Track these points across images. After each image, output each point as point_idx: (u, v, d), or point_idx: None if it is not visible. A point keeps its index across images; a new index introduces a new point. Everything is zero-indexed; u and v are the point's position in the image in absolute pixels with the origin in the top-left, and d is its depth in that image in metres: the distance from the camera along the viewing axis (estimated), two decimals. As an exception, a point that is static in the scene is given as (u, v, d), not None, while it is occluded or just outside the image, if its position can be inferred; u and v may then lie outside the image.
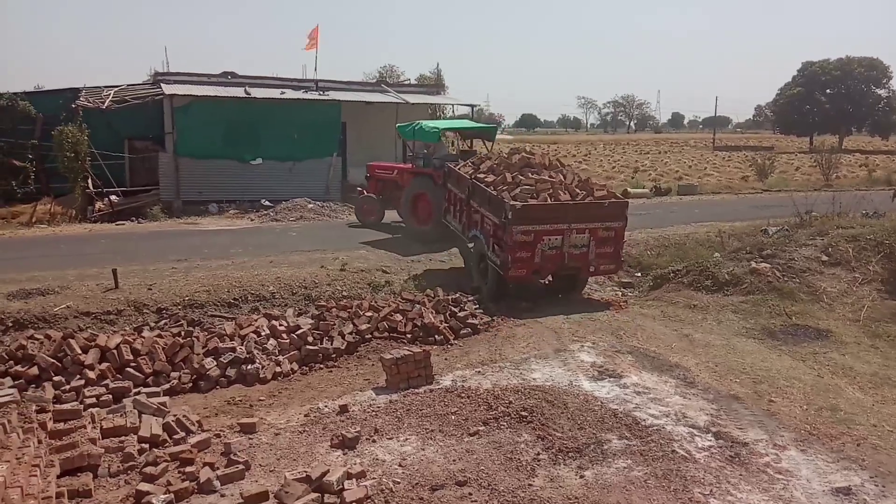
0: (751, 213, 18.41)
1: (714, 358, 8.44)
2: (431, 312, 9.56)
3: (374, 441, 6.12)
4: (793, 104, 73.98)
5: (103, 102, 20.71)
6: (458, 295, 10.28)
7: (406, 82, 39.89)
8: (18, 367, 7.34)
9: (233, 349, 8.10)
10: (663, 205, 22.07)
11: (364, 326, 9.02)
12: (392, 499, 5.13)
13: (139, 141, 21.41)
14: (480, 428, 6.30)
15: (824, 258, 11.94)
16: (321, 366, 8.39)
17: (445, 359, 8.44)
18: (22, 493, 4.50)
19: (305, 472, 5.29)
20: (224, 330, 8.58)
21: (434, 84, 36.04)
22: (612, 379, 7.57)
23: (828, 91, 73.29)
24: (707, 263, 12.15)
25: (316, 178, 21.50)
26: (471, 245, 11.80)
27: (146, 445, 5.89)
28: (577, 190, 10.86)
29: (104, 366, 7.49)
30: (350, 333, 8.90)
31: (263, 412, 6.95)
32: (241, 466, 5.51)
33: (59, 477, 5.24)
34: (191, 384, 7.70)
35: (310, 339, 8.67)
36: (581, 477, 5.47)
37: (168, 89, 20.91)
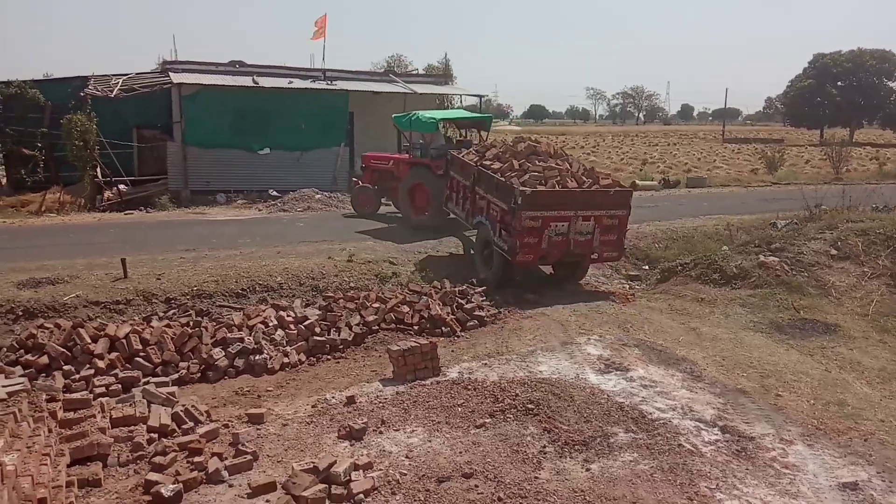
0: (760, 206, 18.34)
1: (721, 352, 8.42)
2: (438, 304, 9.57)
3: (380, 432, 6.15)
4: (803, 96, 73.51)
5: (112, 91, 20.72)
6: (465, 287, 10.29)
7: (414, 72, 39.81)
8: (29, 356, 7.40)
9: (241, 339, 8.13)
10: (672, 197, 22.00)
11: (371, 318, 9.04)
12: (399, 490, 5.16)
13: (147, 129, 21.45)
14: (487, 420, 6.32)
15: (833, 252, 11.88)
16: (328, 357, 8.42)
17: (452, 351, 8.45)
18: (33, 481, 4.54)
19: (313, 462, 5.32)
20: (232, 320, 8.61)
21: (442, 74, 35.90)
22: (618, 372, 7.57)
23: (839, 83, 72.75)
24: (715, 257, 12.11)
25: (323, 169, 21.53)
26: (474, 231, 11.91)
27: (155, 435, 5.93)
28: (584, 178, 10.98)
29: (113, 355, 7.54)
30: (357, 325, 8.92)
31: (271, 403, 6.99)
32: (249, 457, 5.55)
33: (69, 466, 5.29)
34: (199, 374, 7.74)
35: (317, 329, 8.69)
36: (587, 470, 5.49)
37: (176, 78, 20.91)
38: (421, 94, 24.77)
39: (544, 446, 5.84)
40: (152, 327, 8.16)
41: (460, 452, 5.73)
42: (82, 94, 19.98)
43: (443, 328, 9.15)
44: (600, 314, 9.85)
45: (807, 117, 75.74)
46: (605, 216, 10.61)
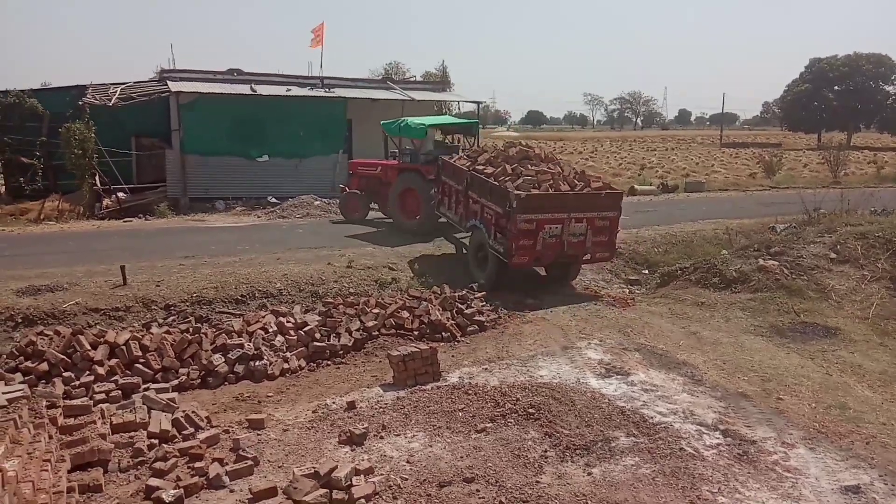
0: (758, 210, 18.34)
1: (722, 356, 8.42)
2: (438, 309, 9.56)
3: (381, 437, 6.14)
4: (800, 101, 73.72)
5: (110, 100, 20.76)
6: (465, 292, 10.29)
7: (412, 79, 39.86)
8: (29, 363, 7.36)
9: (241, 346, 8.11)
10: (670, 202, 22.03)
11: (371, 323, 9.03)
12: (400, 495, 5.15)
13: (146, 138, 21.50)
14: (488, 425, 6.31)
15: (833, 256, 11.89)
16: (328, 362, 8.40)
17: (452, 356, 8.44)
18: (34, 487, 4.53)
19: (314, 467, 5.30)
20: (232, 326, 8.59)
21: (440, 81, 36.01)
22: (619, 376, 7.57)
23: (836, 88, 73.00)
24: (715, 261, 12.13)
25: (322, 175, 21.55)
26: (465, 234, 12.21)
27: (156, 441, 5.90)
28: (576, 181, 11.23)
29: (113, 362, 7.51)
30: (357, 330, 8.90)
31: (272, 408, 6.97)
32: (249, 462, 5.54)
33: (69, 472, 5.27)
34: (199, 380, 7.70)
35: (317, 335, 8.67)
36: (589, 474, 5.48)
37: (174, 86, 20.96)
38: (419, 100, 24.82)
39: (545, 451, 5.83)
40: (152, 334, 8.14)
41: (461, 457, 5.72)
42: (80, 102, 20.02)
43: (443, 333, 9.14)
44: (600, 319, 9.85)
45: (804, 121, 75.94)
46: (597, 218, 10.85)
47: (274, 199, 20.27)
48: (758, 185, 28.56)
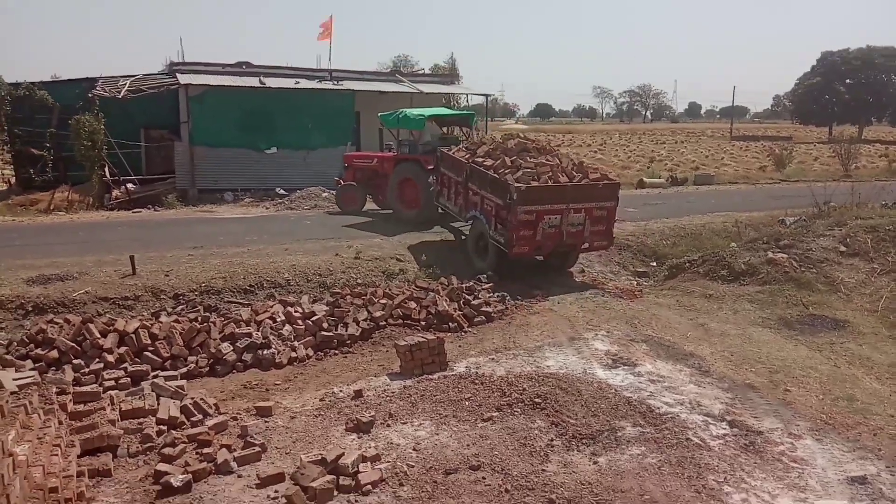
0: (768, 203, 18.24)
1: (729, 347, 8.40)
2: (445, 300, 9.58)
3: (388, 425, 6.17)
4: (812, 94, 73.15)
5: (119, 92, 20.86)
6: (472, 283, 10.31)
7: (420, 72, 39.83)
8: (39, 351, 7.44)
9: (249, 334, 8.16)
10: (679, 195, 21.92)
11: (378, 313, 9.05)
12: (406, 481, 5.17)
13: (155, 130, 21.58)
14: (494, 414, 6.33)
15: (842, 249, 11.83)
16: (336, 351, 8.43)
17: (459, 346, 8.46)
18: (44, 471, 4.59)
19: (321, 454, 5.34)
20: (240, 316, 8.63)
21: (448, 74, 35.90)
22: (626, 367, 7.57)
23: (847, 81, 72.30)
24: (723, 253, 12.10)
25: (330, 167, 21.54)
26: (464, 224, 12.57)
27: (164, 427, 5.97)
28: (574, 173, 11.39)
29: (123, 350, 7.57)
30: (364, 320, 8.93)
31: (279, 396, 7.01)
32: (257, 448, 5.58)
33: (79, 457, 5.33)
34: (208, 368, 7.76)
35: (325, 325, 8.71)
36: (595, 463, 5.49)
37: (183, 79, 21.02)
38: (427, 93, 24.79)
39: (552, 439, 5.84)
40: (161, 322, 8.20)
41: (468, 445, 5.74)
42: (90, 94, 20.12)
43: (450, 324, 9.16)
44: (608, 310, 9.84)
45: (815, 115, 75.38)
46: (595, 208, 11.06)
47: (282, 191, 20.32)
48: (768, 178, 28.39)
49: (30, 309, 8.60)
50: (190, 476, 5.07)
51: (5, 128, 21.39)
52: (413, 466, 5.38)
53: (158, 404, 6.29)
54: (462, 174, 12.03)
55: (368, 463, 5.31)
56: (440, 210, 13.79)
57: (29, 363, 7.25)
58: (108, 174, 19.73)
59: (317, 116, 21.73)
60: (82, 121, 19.06)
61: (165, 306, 9.08)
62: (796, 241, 12.18)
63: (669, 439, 5.87)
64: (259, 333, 8.25)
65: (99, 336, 7.61)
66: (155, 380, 6.85)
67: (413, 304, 9.37)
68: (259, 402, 6.64)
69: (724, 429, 6.13)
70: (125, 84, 21.63)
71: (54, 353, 7.38)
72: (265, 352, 8.00)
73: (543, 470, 5.35)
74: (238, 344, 8.04)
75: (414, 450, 5.68)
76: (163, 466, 5.21)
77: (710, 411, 6.47)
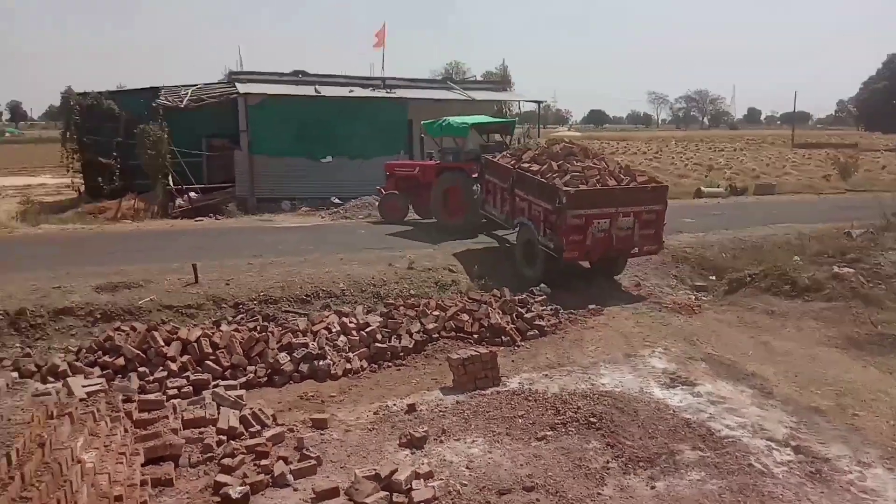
0: (833, 214, 17.54)
1: (794, 368, 8.12)
2: (498, 313, 9.54)
3: (441, 441, 6.17)
4: (878, 99, 70.46)
5: (181, 101, 21.53)
6: (525, 295, 10.25)
7: (472, 79, 39.84)
8: (106, 358, 7.72)
9: (305, 345, 8.29)
10: (739, 205, 21.32)
11: (431, 325, 9.08)
12: (459, 501, 5.17)
13: (216, 139, 22.21)
14: (548, 433, 6.26)
15: (914, 263, 11.29)
16: (389, 364, 8.49)
17: (512, 360, 8.42)
18: (109, 479, 4.74)
19: (374, 469, 5.38)
20: (297, 326, 8.79)
21: (500, 80, 35.82)
22: (685, 387, 7.39)
23: (918, 85, 69.35)
24: (786, 267, 11.69)
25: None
26: (509, 231, 12.74)
27: (224, 437, 6.10)
28: (622, 176, 11.45)
29: (185, 358, 7.80)
30: (418, 332, 8.97)
31: (334, 408, 7.10)
32: (313, 461, 5.66)
33: (143, 465, 5.49)
34: (266, 378, 7.92)
35: (379, 336, 8.78)
36: (652, 488, 5.37)
37: (242, 88, 21.55)
38: (479, 100, 24.78)
39: (607, 461, 5.74)
40: (221, 331, 8.40)
41: (521, 465, 5.69)
42: (154, 104, 20.83)
43: (502, 337, 9.12)
44: (665, 326, 9.64)
45: (882, 121, 72.48)
46: (644, 211, 11.05)
47: (337, 200, 20.60)
48: (832, 187, 27.33)
49: (98, 316, 8.94)
50: (248, 488, 5.18)
51: (74, 137, 22.35)
52: (466, 485, 5.37)
53: (219, 414, 6.43)
54: (508, 180, 12.09)
55: (421, 480, 5.32)
56: (483, 219, 13.90)
57: (97, 370, 7.53)
58: (171, 183, 20.39)
59: (371, 125, 21.96)
60: (147, 130, 19.76)
61: (226, 315, 9.32)
62: (864, 255, 11.70)
63: (731, 464, 5.70)
64: (315, 344, 8.37)
65: (163, 344, 7.86)
66: (216, 389, 7.02)
67: (466, 317, 9.37)
68: (315, 414, 6.74)
69: (789, 455, 5.92)
70: (187, 94, 22.31)
71: (121, 361, 7.65)
72: (321, 362, 8.11)
73: (599, 493, 5.27)
74: (295, 354, 8.18)
75: (467, 468, 5.67)
76: (222, 477, 5.33)
77: (774, 436, 6.26)
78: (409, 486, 5.18)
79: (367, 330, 8.84)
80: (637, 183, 11.29)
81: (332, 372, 8.07)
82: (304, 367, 8.08)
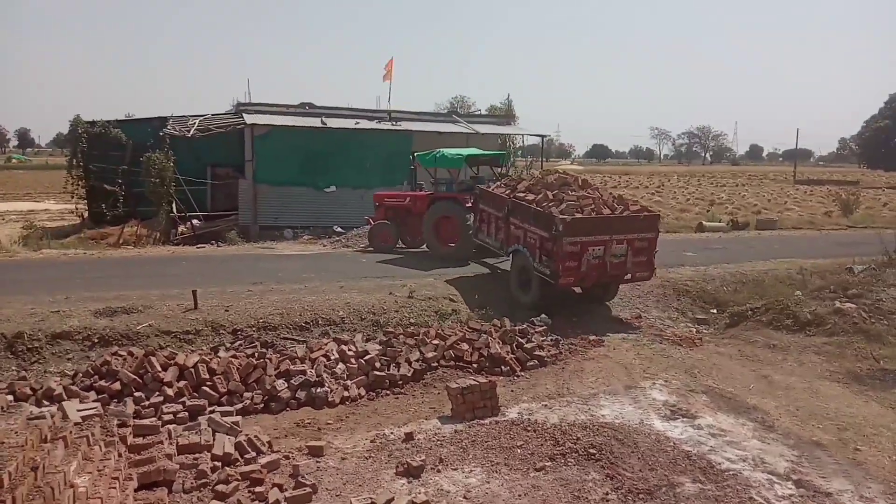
0: (834, 250, 17.56)
1: (795, 401, 8.05)
2: (498, 343, 9.50)
3: (438, 471, 6.09)
4: (879, 137, 71.02)
5: (189, 131, 21.80)
6: (525, 325, 10.22)
7: (477, 113, 40.26)
8: (103, 382, 7.67)
9: (303, 372, 8.25)
10: (741, 239, 21.34)
11: (431, 354, 9.04)
12: (456, 531, 5.07)
13: (221, 168, 22.41)
14: (547, 463, 6.18)
15: (916, 299, 11.25)
16: (388, 392, 8.43)
17: (512, 390, 8.35)
18: (102, 504, 4.68)
19: (370, 498, 5.31)
20: (295, 353, 8.75)
21: (504, 115, 36.20)
22: (685, 419, 7.31)
23: (918, 123, 69.88)
24: (788, 302, 11.67)
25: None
26: (502, 259, 13.32)
27: (218, 463, 6.03)
28: (615, 205, 11.78)
29: (182, 383, 7.75)
30: (417, 360, 8.93)
31: (331, 436, 7.03)
32: (308, 489, 5.58)
33: (136, 490, 5.42)
34: (262, 405, 7.86)
35: (377, 364, 8.73)
36: (652, 520, 5.28)
37: (249, 119, 21.82)
38: (483, 134, 25.01)
39: (607, 493, 5.66)
40: (219, 357, 8.37)
41: (519, 495, 5.62)
42: (161, 133, 21.08)
43: (502, 367, 9.07)
44: (666, 358, 9.58)
45: (883, 158, 73.02)
46: (637, 239, 11.36)
47: (339, 229, 20.70)
48: (834, 223, 27.39)
49: (96, 340, 8.93)
50: (241, 515, 5.10)
51: (81, 164, 22.57)
52: (463, 515, 5.28)
53: (214, 440, 6.38)
54: (503, 209, 12.38)
55: (418, 509, 5.24)
56: (475, 247, 14.38)
57: (93, 394, 7.48)
58: (175, 210, 20.51)
59: (375, 156, 22.24)
60: (153, 159, 19.97)
61: (224, 341, 9.29)
62: (865, 291, 11.67)
63: (731, 498, 5.61)
64: (313, 371, 8.32)
65: (160, 369, 7.82)
66: (211, 415, 6.97)
67: (465, 346, 9.32)
68: (311, 442, 6.67)
69: (790, 489, 5.83)
70: (195, 123, 22.60)
71: (117, 385, 7.60)
72: (318, 390, 8.06)
73: (597, 525, 5.18)
74: (292, 381, 8.13)
75: (464, 497, 5.59)
76: (216, 504, 5.25)
77: (775, 469, 6.18)
78: (404, 515, 5.11)
79: (366, 358, 8.79)
80: (630, 211, 11.65)
81: (330, 399, 8.01)
82: (301, 395, 8.02)
